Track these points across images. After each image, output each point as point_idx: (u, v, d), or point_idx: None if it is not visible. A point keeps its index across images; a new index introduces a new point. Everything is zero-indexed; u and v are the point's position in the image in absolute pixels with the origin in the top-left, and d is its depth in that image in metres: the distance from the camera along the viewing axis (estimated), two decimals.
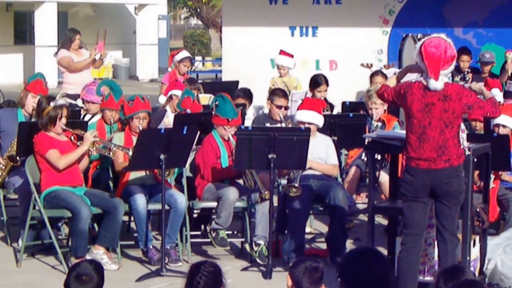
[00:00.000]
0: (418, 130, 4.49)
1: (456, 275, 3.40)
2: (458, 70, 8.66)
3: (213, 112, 5.98)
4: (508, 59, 8.11)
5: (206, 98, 7.35)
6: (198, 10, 29.65)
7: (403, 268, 4.58)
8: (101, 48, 8.11)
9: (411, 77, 6.05)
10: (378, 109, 6.66)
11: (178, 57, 8.40)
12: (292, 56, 8.47)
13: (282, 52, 8.49)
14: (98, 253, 5.58)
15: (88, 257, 5.41)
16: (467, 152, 4.60)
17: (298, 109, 6.03)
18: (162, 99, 7.18)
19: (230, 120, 5.86)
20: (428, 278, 4.84)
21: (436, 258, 4.77)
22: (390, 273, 3.05)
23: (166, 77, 8.53)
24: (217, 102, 5.92)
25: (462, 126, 4.64)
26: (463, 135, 4.60)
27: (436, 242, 4.72)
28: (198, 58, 23.20)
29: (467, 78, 8.38)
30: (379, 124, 6.66)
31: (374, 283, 2.94)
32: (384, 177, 6.15)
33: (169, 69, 8.63)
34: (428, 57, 4.47)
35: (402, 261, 4.60)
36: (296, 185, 5.58)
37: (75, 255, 5.50)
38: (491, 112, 4.61)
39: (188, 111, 6.59)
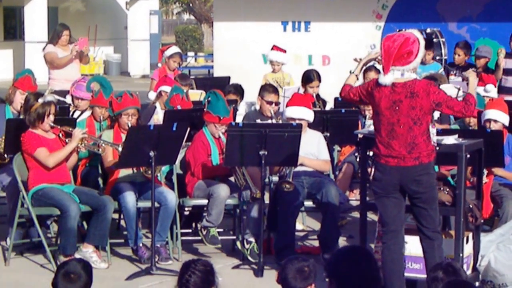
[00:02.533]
0: (387, 128, 4.46)
1: (449, 273, 3.36)
2: (453, 64, 8.62)
3: (204, 109, 5.91)
4: (500, 54, 8.11)
5: (196, 94, 7.29)
6: (191, 5, 29.56)
7: (388, 266, 4.53)
8: (82, 44, 8.02)
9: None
10: (371, 110, 6.62)
11: (168, 52, 8.31)
12: (285, 51, 8.41)
13: (275, 48, 8.43)
14: (87, 251, 5.52)
15: (77, 255, 5.35)
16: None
17: (287, 105, 5.97)
18: (152, 95, 7.12)
19: (221, 118, 5.80)
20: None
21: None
22: (378, 271, 3.00)
23: (156, 73, 8.45)
24: (209, 99, 5.86)
25: (432, 121, 4.59)
26: (433, 130, 4.56)
27: (419, 241, 4.66)
28: (191, 53, 23.13)
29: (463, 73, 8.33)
30: (371, 121, 6.62)
31: (362, 282, 2.89)
32: None
33: (159, 65, 8.55)
34: (383, 51, 4.44)
35: (385, 259, 4.54)
36: (290, 180, 5.53)
37: (63, 253, 5.44)
38: (461, 113, 4.53)
39: (179, 107, 6.51)
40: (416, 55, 4.42)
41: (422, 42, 4.47)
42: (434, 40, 9.04)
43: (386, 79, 4.42)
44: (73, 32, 8.34)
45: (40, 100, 5.63)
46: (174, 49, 8.45)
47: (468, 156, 4.72)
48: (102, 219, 5.51)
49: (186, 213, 6.23)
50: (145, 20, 22.07)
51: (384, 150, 4.47)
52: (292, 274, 3.22)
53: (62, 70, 8.02)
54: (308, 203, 5.81)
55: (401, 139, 4.43)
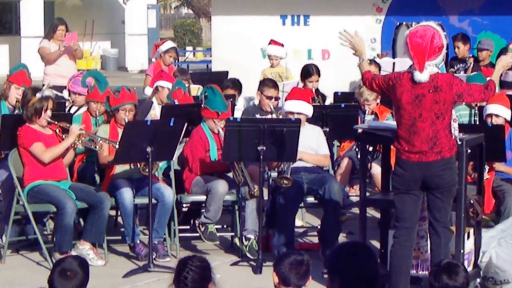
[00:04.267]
0: (408, 122, 4.41)
1: (449, 272, 3.32)
2: (455, 58, 8.55)
3: (202, 104, 5.85)
4: (510, 50, 8.00)
5: (194, 89, 7.24)
6: None
7: (396, 262, 4.50)
8: (70, 39, 7.96)
9: (405, 66, 5.91)
10: (371, 105, 6.61)
11: (163, 47, 8.24)
12: (282, 45, 8.35)
13: (272, 42, 8.38)
14: (84, 248, 5.47)
15: (74, 253, 5.30)
16: (459, 142, 4.51)
17: (286, 100, 5.92)
18: (148, 91, 7.06)
19: (220, 113, 5.73)
20: (422, 273, 4.75)
21: (429, 251, 4.68)
22: (378, 267, 2.96)
23: (151, 68, 8.37)
24: (206, 94, 5.79)
25: (454, 115, 4.55)
26: (454, 125, 4.51)
27: (428, 235, 4.63)
28: (189, 48, 23.05)
29: (468, 65, 8.27)
30: (372, 117, 6.58)
31: (362, 278, 2.86)
32: (376, 169, 6.05)
33: (153, 60, 8.47)
34: (413, 48, 4.37)
35: (394, 255, 4.51)
36: (288, 176, 5.47)
37: (59, 250, 5.39)
38: (480, 99, 4.59)
39: (176, 102, 6.46)
40: (442, 48, 4.41)
41: (443, 34, 4.45)
42: None
43: (423, 77, 4.35)
44: (70, 27, 8.27)
45: (38, 95, 5.58)
46: (170, 44, 8.38)
47: (469, 151, 4.66)
48: (99, 216, 5.45)
49: (184, 209, 6.18)
50: (143, 15, 21.97)
51: (406, 145, 4.43)
52: (293, 271, 3.16)
53: (54, 65, 7.97)
54: (309, 199, 5.75)
55: (422, 134, 4.38)
